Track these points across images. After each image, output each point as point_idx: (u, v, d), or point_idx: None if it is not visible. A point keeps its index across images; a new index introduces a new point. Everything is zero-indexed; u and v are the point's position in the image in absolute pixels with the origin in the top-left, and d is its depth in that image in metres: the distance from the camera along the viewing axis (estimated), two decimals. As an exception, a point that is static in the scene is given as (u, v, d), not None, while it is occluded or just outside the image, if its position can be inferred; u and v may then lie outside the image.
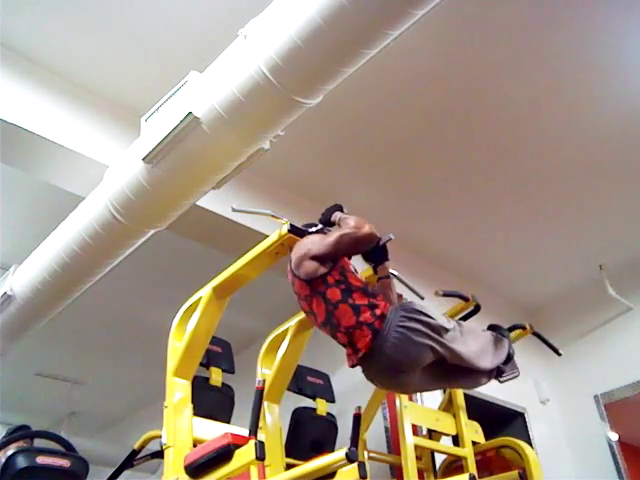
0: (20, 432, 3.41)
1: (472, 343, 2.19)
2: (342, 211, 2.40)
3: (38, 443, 3.33)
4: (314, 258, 2.15)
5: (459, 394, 3.22)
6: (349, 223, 2.23)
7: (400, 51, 2.48)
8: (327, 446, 3.18)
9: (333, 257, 2.16)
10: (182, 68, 2.37)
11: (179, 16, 2.90)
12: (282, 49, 2.00)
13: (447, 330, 2.10)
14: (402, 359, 2.04)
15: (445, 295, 3.00)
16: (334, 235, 2.19)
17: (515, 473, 2.87)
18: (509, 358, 2.37)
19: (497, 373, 2.30)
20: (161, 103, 2.41)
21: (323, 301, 2.12)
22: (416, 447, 2.89)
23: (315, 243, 2.19)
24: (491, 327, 2.52)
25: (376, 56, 2.10)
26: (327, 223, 2.38)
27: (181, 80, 2.33)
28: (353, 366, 2.12)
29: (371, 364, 2.08)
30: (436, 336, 2.05)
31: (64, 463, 2.74)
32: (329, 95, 2.26)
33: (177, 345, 2.47)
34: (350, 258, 2.31)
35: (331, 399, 3.37)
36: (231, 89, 2.14)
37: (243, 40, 2.13)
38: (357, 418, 2.52)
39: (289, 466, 2.49)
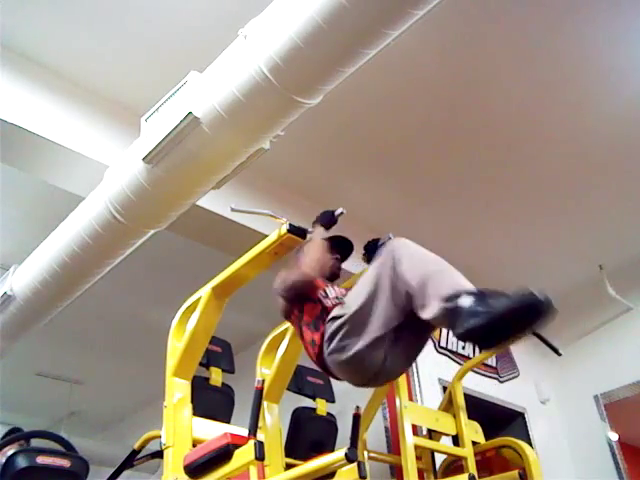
0: (19, 432, 3.41)
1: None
2: (330, 222, 2.43)
3: (38, 443, 3.33)
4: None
5: (459, 394, 3.21)
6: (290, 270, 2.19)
7: (400, 51, 2.48)
8: (327, 446, 3.18)
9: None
10: (182, 68, 2.36)
11: (179, 16, 2.90)
12: (282, 49, 2.00)
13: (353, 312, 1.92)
14: (353, 376, 2.05)
15: (445, 295, 2.99)
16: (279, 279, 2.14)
17: (515, 473, 2.86)
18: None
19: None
20: (161, 103, 2.41)
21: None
22: (416, 447, 2.88)
23: (280, 281, 2.17)
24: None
25: (376, 56, 2.10)
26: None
27: (181, 80, 2.33)
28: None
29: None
30: (360, 332, 1.89)
31: (64, 463, 2.73)
32: (329, 95, 2.26)
33: (177, 345, 2.47)
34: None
35: (331, 399, 3.37)
36: (231, 89, 2.14)
37: (243, 40, 2.13)
38: (357, 418, 2.53)
39: (289, 466, 2.49)
